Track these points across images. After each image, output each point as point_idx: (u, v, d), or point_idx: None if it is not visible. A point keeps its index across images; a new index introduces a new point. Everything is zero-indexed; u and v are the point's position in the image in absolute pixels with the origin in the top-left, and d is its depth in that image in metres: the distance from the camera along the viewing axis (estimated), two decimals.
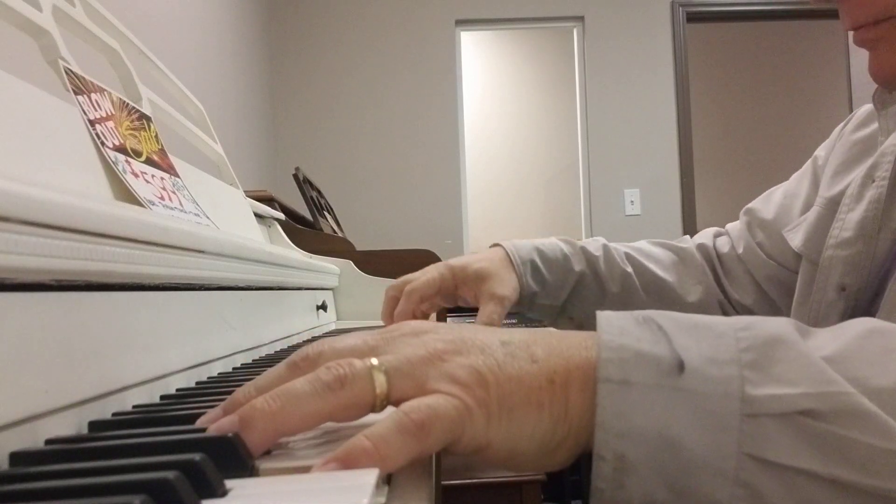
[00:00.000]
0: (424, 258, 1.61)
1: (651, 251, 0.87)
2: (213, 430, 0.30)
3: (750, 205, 0.86)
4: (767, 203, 0.83)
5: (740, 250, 0.84)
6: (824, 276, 0.65)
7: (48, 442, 0.32)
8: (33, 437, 0.31)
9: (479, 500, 1.58)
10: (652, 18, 3.64)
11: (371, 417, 0.32)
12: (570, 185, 4.28)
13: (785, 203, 0.80)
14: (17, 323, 0.31)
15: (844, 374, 0.31)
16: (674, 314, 0.34)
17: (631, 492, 0.31)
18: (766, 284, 0.81)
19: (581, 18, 3.64)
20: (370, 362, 0.32)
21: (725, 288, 0.85)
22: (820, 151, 0.79)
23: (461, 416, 0.30)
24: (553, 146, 5.17)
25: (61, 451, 0.30)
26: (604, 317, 0.34)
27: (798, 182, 0.81)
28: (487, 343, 0.34)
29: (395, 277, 1.33)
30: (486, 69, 5.16)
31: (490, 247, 0.83)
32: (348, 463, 0.28)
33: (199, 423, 0.33)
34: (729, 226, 0.90)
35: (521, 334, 0.35)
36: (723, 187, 5.21)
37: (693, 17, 3.69)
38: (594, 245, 0.85)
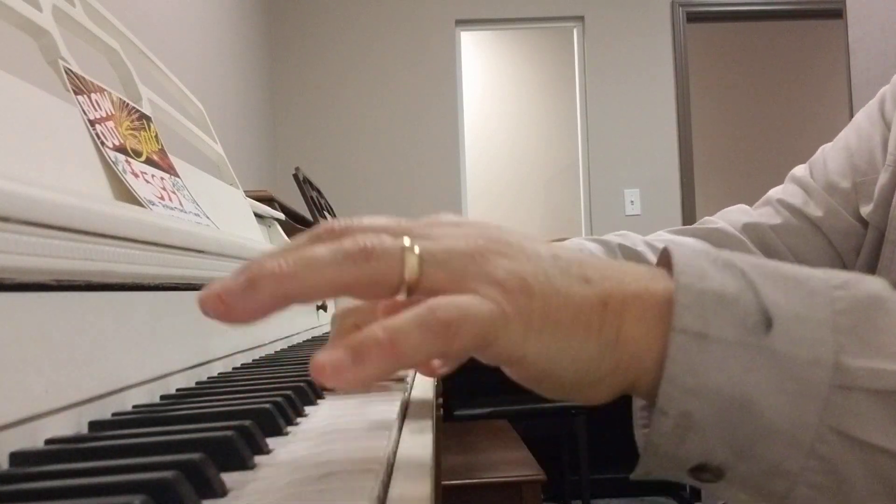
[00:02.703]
0: None
1: (689, 244, 0.70)
2: (215, 288, 0.27)
3: (800, 172, 0.73)
4: (826, 165, 0.71)
5: (820, 213, 0.68)
6: (890, 250, 0.60)
7: (48, 442, 0.32)
8: (33, 437, 0.31)
9: (479, 500, 1.58)
10: (652, 18, 3.64)
11: None
12: (570, 185, 4.28)
13: (854, 162, 0.68)
14: (17, 323, 0.31)
15: None
16: (757, 259, 0.30)
17: (689, 448, 0.28)
18: (849, 257, 0.67)
19: (581, 18, 3.64)
20: (403, 241, 0.28)
21: None
22: (887, 99, 0.68)
23: (495, 323, 0.27)
24: (553, 146, 5.17)
25: (61, 451, 0.30)
26: (679, 254, 0.30)
27: (858, 134, 0.69)
28: (536, 252, 0.30)
29: None
30: (486, 69, 5.16)
31: None
32: (358, 354, 0.25)
33: (208, 290, 0.28)
34: (779, 193, 0.73)
35: (571, 253, 0.31)
36: (723, 187, 5.21)
37: (693, 17, 3.70)
38: (630, 240, 0.70)
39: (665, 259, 0.32)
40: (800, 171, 0.73)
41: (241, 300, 0.26)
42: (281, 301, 0.27)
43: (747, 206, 0.76)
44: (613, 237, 0.71)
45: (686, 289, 0.28)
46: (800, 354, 0.27)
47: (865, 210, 0.65)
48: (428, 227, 0.30)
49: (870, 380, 0.27)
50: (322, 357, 0.25)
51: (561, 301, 0.28)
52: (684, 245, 0.68)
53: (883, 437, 0.27)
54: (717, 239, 0.71)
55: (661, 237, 0.73)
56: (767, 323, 0.28)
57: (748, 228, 0.72)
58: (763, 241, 0.71)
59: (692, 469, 0.29)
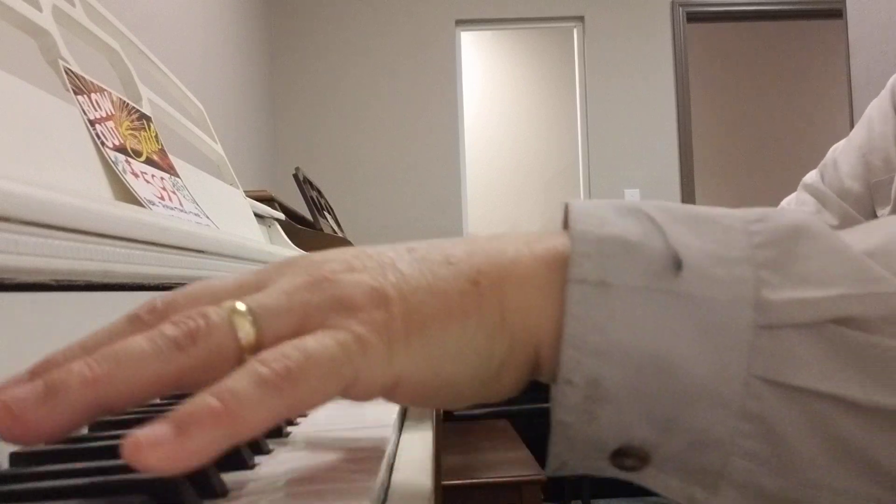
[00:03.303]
0: None
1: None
2: (2, 396, 0.22)
3: (812, 179, 0.71)
4: (837, 168, 0.68)
5: (836, 222, 0.67)
6: None
7: (48, 442, 0.32)
8: None
9: (479, 500, 1.58)
10: (652, 18, 3.65)
11: None
12: (570, 185, 4.28)
13: (867, 160, 0.65)
14: (17, 323, 0.31)
15: (892, 268, 0.24)
16: (667, 203, 0.27)
17: (604, 425, 0.24)
18: None
19: (581, 18, 3.64)
20: (231, 305, 0.24)
21: None
22: None
23: (348, 353, 0.23)
24: (553, 146, 5.17)
25: (61, 451, 0.30)
26: (577, 205, 0.26)
27: (870, 131, 0.67)
28: (388, 254, 0.26)
29: None
30: (486, 69, 5.16)
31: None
32: (185, 426, 0.20)
33: None
34: (791, 205, 0.72)
35: (433, 241, 0.27)
36: (723, 187, 5.21)
37: (693, 17, 3.70)
38: None
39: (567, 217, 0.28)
40: (811, 177, 0.71)
41: (36, 412, 0.21)
42: (92, 411, 0.22)
43: None
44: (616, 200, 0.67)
45: (583, 236, 0.25)
46: (716, 296, 0.23)
47: (882, 212, 0.62)
48: (265, 275, 0.26)
49: (797, 312, 0.23)
50: (139, 433, 0.20)
51: (423, 296, 0.24)
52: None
53: (819, 378, 0.23)
54: None
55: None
56: (677, 264, 0.24)
57: None
58: None
59: (613, 455, 0.25)
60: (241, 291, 0.25)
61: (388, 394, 0.25)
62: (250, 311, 0.24)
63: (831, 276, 0.24)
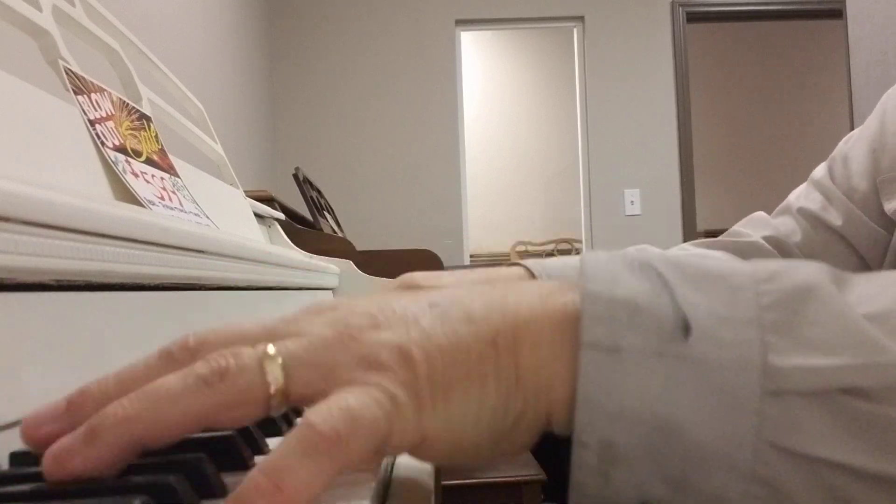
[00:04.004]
0: (424, 258, 1.61)
1: (717, 256, 0.64)
2: (51, 455, 0.23)
3: (820, 174, 0.69)
4: (847, 165, 0.66)
5: (839, 222, 0.64)
6: None
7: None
8: None
9: (479, 500, 1.58)
10: (652, 18, 3.65)
11: None
12: (570, 185, 4.28)
13: (877, 157, 0.63)
14: (17, 323, 0.31)
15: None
16: (679, 258, 0.27)
17: (620, 486, 0.25)
18: (875, 263, 0.63)
19: (581, 18, 3.64)
20: (263, 349, 0.25)
21: None
22: None
23: (385, 411, 0.24)
24: (553, 146, 5.17)
25: None
26: (591, 260, 0.27)
27: (882, 127, 0.64)
28: (412, 309, 0.26)
29: (395, 277, 1.33)
30: (486, 69, 5.16)
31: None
32: None
33: (27, 433, 0.25)
34: (800, 201, 0.69)
35: (456, 291, 0.28)
36: (723, 187, 5.21)
37: (693, 17, 3.70)
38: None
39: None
40: (819, 172, 0.70)
41: (79, 455, 0.23)
42: (129, 449, 0.23)
43: (766, 215, 0.72)
44: (630, 252, 0.63)
45: (595, 297, 0.25)
46: (724, 359, 0.24)
47: (889, 207, 0.60)
48: (293, 323, 0.27)
49: (803, 381, 0.23)
50: None
51: (446, 358, 0.25)
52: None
53: (826, 447, 0.23)
54: (751, 255, 0.65)
55: (687, 251, 0.67)
56: (685, 328, 0.24)
57: (770, 243, 0.67)
58: (788, 257, 0.66)
59: None
60: (270, 336, 0.26)
61: (414, 451, 0.26)
62: (281, 356, 0.25)
63: (836, 344, 0.24)
